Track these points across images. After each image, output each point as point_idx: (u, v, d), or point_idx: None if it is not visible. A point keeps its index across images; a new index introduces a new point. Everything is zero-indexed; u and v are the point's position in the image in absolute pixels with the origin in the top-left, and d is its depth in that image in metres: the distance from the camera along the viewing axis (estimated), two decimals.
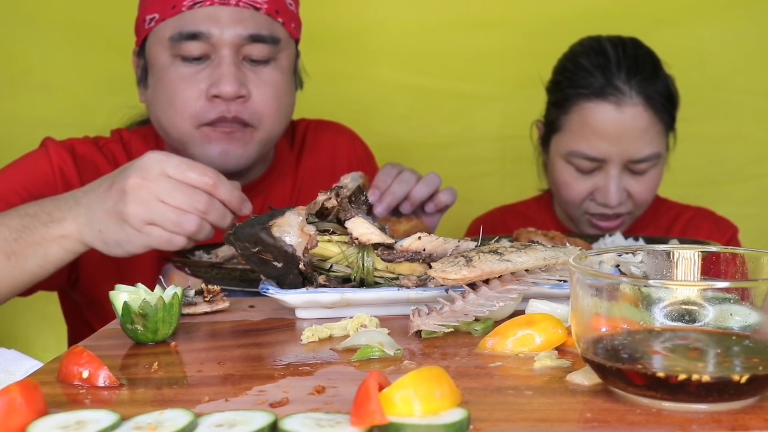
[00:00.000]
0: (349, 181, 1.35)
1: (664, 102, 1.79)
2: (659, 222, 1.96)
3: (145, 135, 1.71)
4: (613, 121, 1.76)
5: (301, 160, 1.80)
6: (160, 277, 1.57)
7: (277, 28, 1.58)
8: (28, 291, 1.43)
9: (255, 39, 1.53)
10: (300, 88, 1.71)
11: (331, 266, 1.08)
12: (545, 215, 2.01)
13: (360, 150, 1.88)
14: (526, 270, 1.02)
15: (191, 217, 1.24)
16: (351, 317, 1.00)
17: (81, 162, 1.60)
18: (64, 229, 1.29)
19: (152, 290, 0.99)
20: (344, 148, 1.85)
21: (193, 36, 1.51)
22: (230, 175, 1.41)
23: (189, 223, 1.24)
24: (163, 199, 1.23)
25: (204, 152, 1.54)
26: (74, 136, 1.70)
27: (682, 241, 1.53)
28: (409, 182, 1.49)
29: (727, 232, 1.94)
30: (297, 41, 1.67)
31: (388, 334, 0.93)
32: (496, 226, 1.95)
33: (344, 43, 2.34)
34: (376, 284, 1.08)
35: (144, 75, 1.62)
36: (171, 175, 1.24)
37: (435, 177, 1.52)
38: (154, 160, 1.25)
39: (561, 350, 0.87)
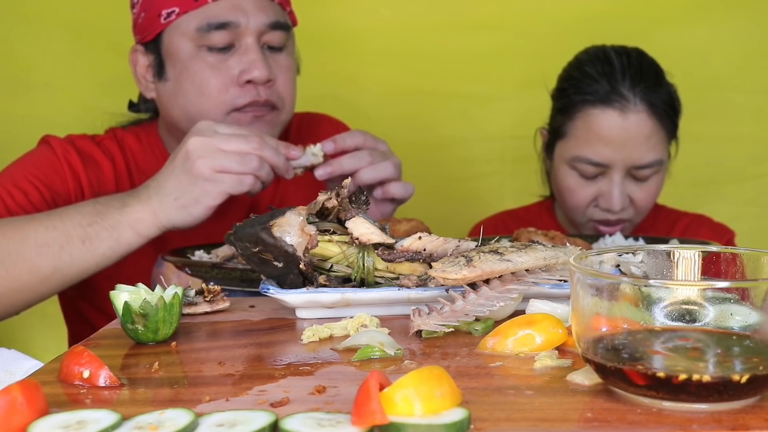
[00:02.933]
0: (307, 155, 1.47)
1: (667, 110, 1.82)
2: (657, 228, 1.98)
3: (137, 133, 1.74)
4: (617, 127, 1.78)
5: None
6: (160, 277, 1.57)
7: (286, 16, 1.66)
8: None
9: (274, 26, 1.60)
10: (298, 73, 1.73)
11: (332, 266, 1.08)
12: (547, 220, 2.02)
13: None
14: (527, 270, 1.02)
15: (251, 156, 1.39)
16: (351, 317, 1.00)
17: (82, 154, 1.64)
18: (138, 213, 1.39)
19: (150, 288, 0.99)
20: (328, 137, 1.86)
21: (222, 25, 1.56)
22: None
23: (251, 161, 1.39)
24: (223, 148, 1.38)
25: None
26: None
27: (682, 242, 1.54)
28: (362, 161, 1.49)
29: (724, 237, 1.96)
30: (295, 25, 1.72)
31: (389, 333, 0.93)
32: (498, 230, 1.95)
33: (344, 44, 2.34)
34: (376, 284, 1.08)
35: (159, 68, 1.63)
36: (221, 131, 1.40)
37: (389, 165, 1.50)
38: (204, 124, 1.42)
39: (561, 350, 0.87)
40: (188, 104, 1.60)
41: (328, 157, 1.49)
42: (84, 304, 1.72)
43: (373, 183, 1.50)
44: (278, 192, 1.78)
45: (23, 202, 1.52)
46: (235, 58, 1.58)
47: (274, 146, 1.43)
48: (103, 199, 1.44)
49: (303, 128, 1.86)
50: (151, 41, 1.62)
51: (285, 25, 1.63)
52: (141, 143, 1.71)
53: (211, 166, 1.37)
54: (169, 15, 1.58)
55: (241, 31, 1.57)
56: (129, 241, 1.40)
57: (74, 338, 1.78)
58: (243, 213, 1.65)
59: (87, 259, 1.40)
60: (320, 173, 1.48)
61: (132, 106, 1.78)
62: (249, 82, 1.57)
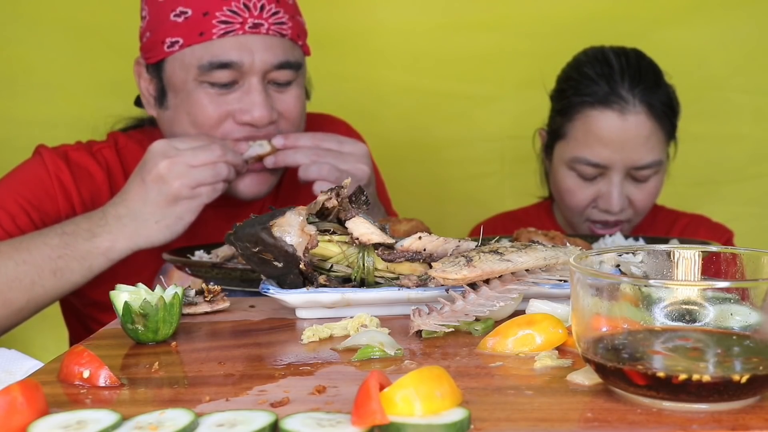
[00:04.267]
0: (254, 146, 1.53)
1: (665, 110, 1.82)
2: (656, 229, 1.99)
3: (140, 141, 1.71)
4: (616, 129, 1.79)
5: None
6: (160, 276, 1.57)
7: (298, 52, 1.62)
8: None
9: (282, 66, 1.57)
10: (308, 98, 1.73)
11: (332, 266, 1.08)
12: (546, 222, 2.03)
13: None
14: (527, 270, 1.02)
15: (220, 165, 1.46)
16: (351, 317, 1.00)
17: (75, 169, 1.62)
18: (108, 242, 1.44)
19: (152, 290, 0.99)
20: None
21: (225, 65, 1.53)
22: None
23: (222, 169, 1.47)
24: (194, 164, 1.44)
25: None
26: (73, 138, 1.70)
27: (682, 242, 1.54)
28: (303, 158, 1.54)
29: (722, 237, 1.96)
30: (307, 55, 1.69)
31: (389, 333, 0.93)
32: (497, 232, 1.96)
33: (346, 44, 2.34)
34: (376, 284, 1.08)
35: (160, 94, 1.62)
36: (182, 148, 1.45)
37: (325, 166, 1.53)
38: (163, 144, 1.46)
39: (561, 350, 0.87)
40: (183, 135, 1.58)
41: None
42: (84, 317, 1.72)
43: (309, 181, 1.55)
44: (280, 193, 1.77)
45: (9, 227, 1.52)
46: (237, 95, 1.55)
47: (232, 148, 1.50)
48: (68, 227, 1.45)
49: (306, 128, 1.85)
50: (154, 65, 1.60)
51: (294, 64, 1.58)
52: (144, 150, 1.70)
53: (189, 184, 1.43)
54: (172, 44, 1.55)
55: (246, 69, 1.53)
56: (101, 267, 1.46)
57: (75, 342, 1.77)
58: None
59: (59, 288, 1.45)
60: (267, 161, 1.56)
61: (139, 101, 1.76)
62: (248, 123, 1.55)
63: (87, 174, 1.62)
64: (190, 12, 1.53)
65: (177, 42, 1.54)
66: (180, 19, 1.53)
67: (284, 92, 1.60)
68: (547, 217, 2.05)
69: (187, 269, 1.36)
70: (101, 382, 0.81)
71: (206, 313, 1.11)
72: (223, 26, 1.52)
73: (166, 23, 1.55)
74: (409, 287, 1.06)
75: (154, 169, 1.42)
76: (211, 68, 1.53)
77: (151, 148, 1.45)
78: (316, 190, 1.52)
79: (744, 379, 0.67)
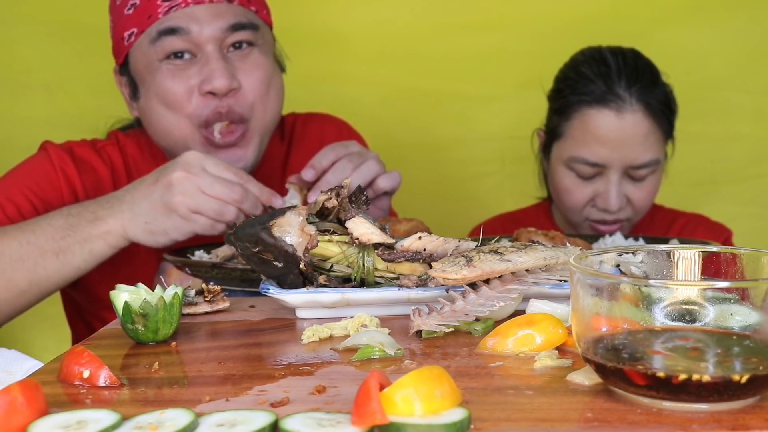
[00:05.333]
0: (287, 201, 1.44)
1: (663, 109, 1.82)
2: (655, 228, 1.99)
3: (138, 140, 1.72)
4: (613, 127, 1.79)
5: (290, 154, 1.82)
6: (160, 276, 1.58)
7: (252, 16, 1.61)
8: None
9: (236, 28, 1.56)
10: (283, 71, 1.71)
11: (332, 266, 1.08)
12: (545, 222, 2.03)
13: (347, 138, 1.88)
14: (527, 270, 1.02)
15: (230, 207, 1.39)
16: (351, 317, 1.00)
17: (79, 163, 1.63)
18: (108, 225, 1.41)
19: (152, 290, 0.99)
20: (331, 138, 1.84)
21: (172, 31, 1.54)
22: None
23: (229, 212, 1.39)
24: (206, 191, 1.38)
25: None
26: (73, 137, 1.71)
27: (681, 242, 1.54)
28: (344, 171, 1.49)
29: (721, 236, 1.96)
30: (271, 27, 1.69)
31: (389, 333, 0.93)
32: (496, 233, 1.96)
33: (345, 44, 2.34)
34: (376, 284, 1.08)
35: (134, 90, 1.64)
36: (210, 171, 1.39)
37: (373, 163, 1.50)
38: (194, 158, 1.40)
39: (561, 350, 0.87)
40: (160, 119, 1.59)
41: (312, 183, 1.50)
42: (87, 313, 1.72)
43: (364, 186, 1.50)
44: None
45: (14, 216, 1.52)
46: (196, 67, 1.56)
47: (256, 196, 1.42)
48: (75, 209, 1.45)
49: (306, 130, 1.85)
50: (123, 64, 1.63)
51: (249, 24, 1.58)
52: (142, 150, 1.71)
53: (189, 206, 1.38)
54: (130, 36, 1.58)
55: (196, 39, 1.54)
56: (102, 253, 1.43)
57: (78, 340, 1.77)
58: None
59: (62, 272, 1.43)
60: (313, 199, 1.48)
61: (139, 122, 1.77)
62: (210, 92, 1.55)
63: (91, 168, 1.64)
64: (138, 1, 1.56)
65: (132, 33, 1.57)
66: (131, 11, 1.57)
67: (245, 57, 1.59)
68: (546, 218, 2.05)
69: (187, 269, 1.36)
70: (101, 382, 0.81)
71: (206, 313, 1.11)
72: (166, 3, 1.54)
73: (122, 20, 1.59)
74: (409, 287, 1.06)
75: (170, 175, 1.39)
76: (159, 36, 1.54)
77: (184, 154, 1.42)
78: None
79: (744, 379, 0.68)
